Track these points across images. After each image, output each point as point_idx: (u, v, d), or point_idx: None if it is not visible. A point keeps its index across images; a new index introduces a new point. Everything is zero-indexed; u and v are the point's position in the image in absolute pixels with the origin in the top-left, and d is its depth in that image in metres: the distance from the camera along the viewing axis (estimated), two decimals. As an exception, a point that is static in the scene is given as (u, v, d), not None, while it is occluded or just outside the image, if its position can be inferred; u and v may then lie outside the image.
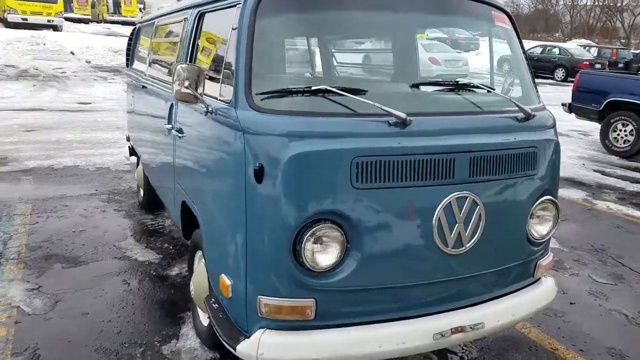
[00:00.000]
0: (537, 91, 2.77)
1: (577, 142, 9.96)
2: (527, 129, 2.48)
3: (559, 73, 22.78)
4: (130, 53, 5.42)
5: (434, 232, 2.22)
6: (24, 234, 4.39)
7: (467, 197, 2.26)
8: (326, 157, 2.05)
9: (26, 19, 22.74)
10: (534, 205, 2.52)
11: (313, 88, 2.16)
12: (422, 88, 2.65)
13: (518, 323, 2.69)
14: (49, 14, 23.61)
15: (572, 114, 9.36)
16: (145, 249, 4.21)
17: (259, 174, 2.02)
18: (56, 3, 24.02)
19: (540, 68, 23.35)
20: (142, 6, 17.72)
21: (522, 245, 2.55)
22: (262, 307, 2.12)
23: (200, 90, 2.35)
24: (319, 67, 3.35)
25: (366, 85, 2.76)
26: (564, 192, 6.31)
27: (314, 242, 2.07)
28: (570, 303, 3.68)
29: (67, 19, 27.06)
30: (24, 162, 6.47)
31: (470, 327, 2.35)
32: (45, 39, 17.60)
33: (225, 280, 2.26)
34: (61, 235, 4.39)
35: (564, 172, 7.64)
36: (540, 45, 25.81)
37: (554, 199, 2.58)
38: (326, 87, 2.15)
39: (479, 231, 2.31)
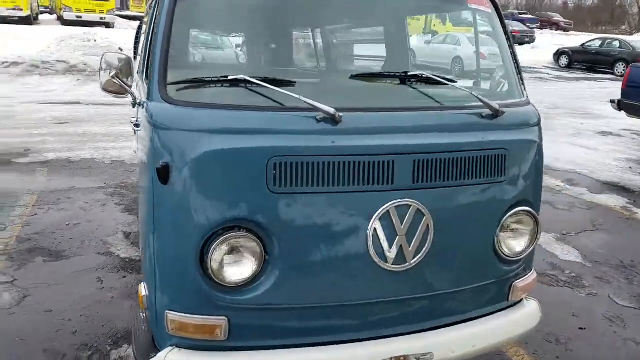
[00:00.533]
0: (521, 84, 2.39)
1: (629, 142, 9.19)
2: (494, 127, 2.11)
3: (619, 68, 21.32)
4: (134, 48, 5.39)
5: (369, 246, 1.91)
6: (19, 225, 4.39)
7: (409, 205, 1.93)
8: (239, 156, 1.78)
9: (80, 17, 23.32)
10: (504, 217, 2.15)
11: (230, 77, 1.89)
12: (373, 81, 2.23)
13: (484, 353, 2.26)
14: (101, 12, 24.19)
15: (622, 111, 8.64)
16: (130, 246, 4.09)
17: (163, 174, 1.79)
18: (108, 1, 24.49)
19: (599, 62, 22.14)
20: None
21: (489, 264, 2.19)
22: (169, 323, 1.90)
23: (130, 80, 2.16)
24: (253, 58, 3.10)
25: (298, 76, 2.46)
26: (602, 198, 5.80)
27: (229, 253, 1.81)
28: (580, 328, 3.26)
29: (123, 16, 27.76)
30: (44, 154, 6.55)
31: (416, 358, 2.01)
32: (97, 35, 17.92)
33: (142, 290, 2.05)
34: (54, 228, 4.36)
35: (607, 175, 7.16)
36: (600, 38, 24.30)
37: (531, 210, 2.20)
38: (244, 77, 1.88)
39: (426, 246, 1.98)
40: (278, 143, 1.81)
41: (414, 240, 1.95)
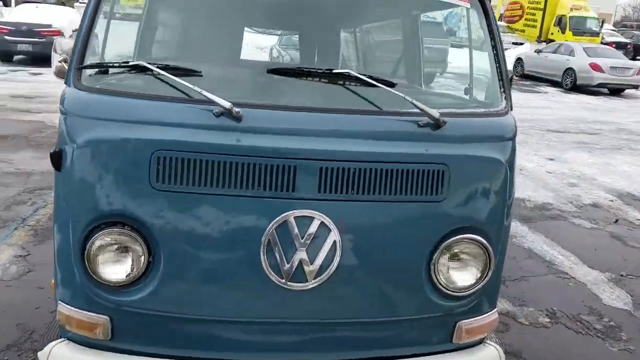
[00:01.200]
0: (502, 91, 2.06)
1: None
2: (433, 139, 1.81)
3: None
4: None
5: (261, 258, 1.73)
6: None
7: (312, 217, 1.72)
8: (122, 146, 1.68)
9: None
10: (443, 244, 1.84)
11: (130, 63, 1.82)
12: (299, 78, 1.94)
13: None
14: None
15: None
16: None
17: (56, 160, 1.75)
18: None
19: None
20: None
21: (420, 295, 1.89)
22: (58, 314, 1.86)
23: None
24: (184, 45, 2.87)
25: (213, 66, 2.26)
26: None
27: (110, 250, 1.73)
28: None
29: None
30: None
31: None
32: None
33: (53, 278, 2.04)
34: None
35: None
36: None
37: (478, 238, 1.86)
38: (143, 63, 1.77)
39: (332, 265, 1.75)
40: (164, 136, 1.68)
41: (317, 257, 1.74)
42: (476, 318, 1.99)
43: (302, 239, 1.73)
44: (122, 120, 1.70)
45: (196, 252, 1.75)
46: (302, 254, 1.73)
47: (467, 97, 2.28)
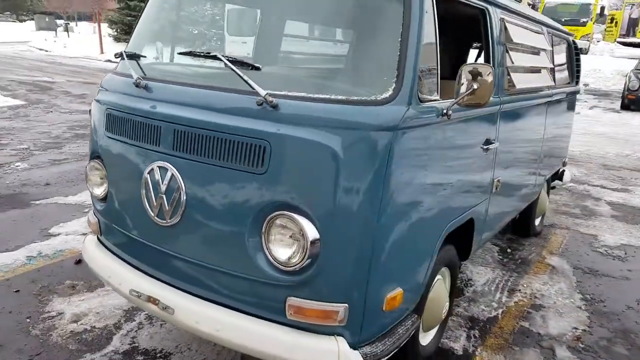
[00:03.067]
0: (397, 79, 2.01)
1: None
2: (263, 116, 1.98)
3: None
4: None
5: (142, 195, 2.29)
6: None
7: (167, 169, 2.20)
8: (99, 106, 2.57)
9: None
10: (268, 217, 1.99)
11: (121, 51, 2.62)
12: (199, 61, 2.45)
13: (236, 348, 2.14)
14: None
15: None
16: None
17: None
18: (585, 26, 23.42)
19: None
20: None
21: (245, 256, 2.06)
22: (87, 220, 2.84)
23: None
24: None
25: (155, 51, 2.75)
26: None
27: (96, 177, 2.63)
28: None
29: (625, 43, 26.79)
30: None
31: (163, 307, 2.25)
32: None
33: None
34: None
35: None
36: None
37: (296, 217, 1.93)
38: (123, 51, 2.59)
39: (179, 210, 2.19)
40: (110, 99, 2.48)
41: (170, 201, 2.20)
42: (307, 301, 2.01)
43: (162, 184, 2.20)
44: (105, 89, 2.61)
45: (119, 182, 2.48)
46: (162, 197, 2.22)
47: (346, 83, 2.25)
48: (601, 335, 3.31)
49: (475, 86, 2.13)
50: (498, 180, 3.09)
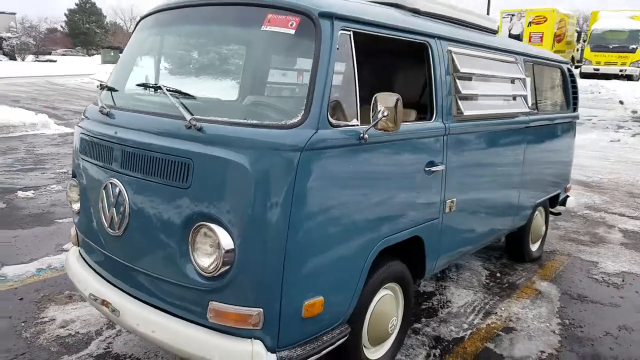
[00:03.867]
0: (304, 108, 2.24)
1: None
2: (188, 138, 2.26)
3: None
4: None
5: (99, 209, 2.61)
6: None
7: (116, 185, 2.51)
8: (77, 131, 2.95)
9: (598, 69, 23.30)
10: (193, 227, 2.22)
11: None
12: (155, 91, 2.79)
13: (167, 349, 2.37)
14: (623, 64, 23.22)
15: None
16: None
17: None
18: (634, 52, 23.24)
19: None
20: None
21: (175, 265, 2.30)
22: (71, 235, 3.16)
23: None
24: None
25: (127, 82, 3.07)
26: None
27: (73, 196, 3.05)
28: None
29: None
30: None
31: (112, 309, 2.50)
32: (602, 87, 18.90)
33: None
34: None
35: None
36: None
37: (212, 226, 2.16)
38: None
39: (125, 221, 2.47)
40: (84, 124, 2.90)
41: (118, 213, 2.50)
42: (225, 305, 2.21)
43: (112, 198, 2.52)
44: (85, 116, 3.00)
45: (86, 197, 2.81)
46: (113, 210, 2.52)
47: (265, 109, 2.57)
48: (567, 360, 3.31)
49: (385, 113, 2.30)
50: (451, 202, 3.20)
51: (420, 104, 3.19)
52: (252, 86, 2.98)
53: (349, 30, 2.42)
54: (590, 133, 14.16)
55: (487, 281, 4.50)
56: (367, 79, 4.43)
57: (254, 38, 2.69)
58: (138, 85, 2.81)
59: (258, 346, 2.19)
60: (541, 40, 25.68)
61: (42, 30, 59.87)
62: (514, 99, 4.01)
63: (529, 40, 25.79)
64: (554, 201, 5.24)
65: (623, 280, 4.61)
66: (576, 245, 5.54)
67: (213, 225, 2.17)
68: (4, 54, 54.88)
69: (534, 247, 5.02)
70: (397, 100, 2.30)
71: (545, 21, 25.58)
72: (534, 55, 4.47)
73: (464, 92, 3.16)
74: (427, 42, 2.96)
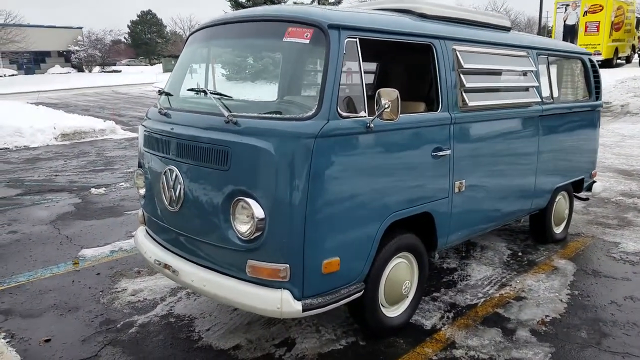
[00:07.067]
0: (317, 104, 2.74)
1: None
2: (227, 130, 2.83)
3: None
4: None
5: (162, 189, 3.21)
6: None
7: (173, 170, 3.11)
8: (141, 129, 3.63)
9: None
10: (233, 200, 2.79)
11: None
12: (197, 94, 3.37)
13: (216, 299, 3.03)
14: None
15: None
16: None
17: None
18: None
19: None
20: None
21: (225, 231, 2.86)
22: (138, 215, 3.90)
23: None
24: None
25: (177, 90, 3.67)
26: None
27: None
28: None
29: None
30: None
31: (173, 270, 3.14)
32: None
33: None
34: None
35: None
36: None
37: (247, 200, 2.72)
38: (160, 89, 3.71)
39: (181, 199, 3.07)
40: (147, 123, 3.54)
41: (176, 193, 3.09)
42: (260, 262, 2.77)
43: (171, 181, 3.13)
44: (148, 117, 3.64)
45: (150, 182, 3.44)
46: (172, 191, 3.14)
47: (290, 106, 3.21)
48: (569, 322, 3.67)
49: (386, 105, 2.80)
50: (460, 183, 3.64)
51: (429, 97, 3.65)
52: (288, 88, 3.62)
53: (355, 38, 2.93)
54: (642, 123, 13.95)
55: (508, 259, 4.88)
56: (381, 77, 4.94)
57: (279, 48, 3.29)
58: (188, 90, 3.42)
59: (286, 294, 2.74)
60: (597, 30, 25.13)
61: (107, 42, 63.24)
62: (526, 89, 4.39)
63: (585, 30, 25.25)
64: (579, 186, 5.52)
65: (641, 258, 4.88)
66: (602, 229, 5.79)
67: (248, 199, 2.74)
68: (73, 66, 58.41)
69: (558, 230, 5.33)
70: (397, 94, 2.80)
71: (601, 10, 25.01)
72: (549, 49, 4.81)
73: (468, 85, 3.60)
74: (431, 43, 3.43)
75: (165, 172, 3.17)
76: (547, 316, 3.76)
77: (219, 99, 3.01)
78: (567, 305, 3.94)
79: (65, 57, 59.78)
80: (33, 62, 57.63)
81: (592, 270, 4.61)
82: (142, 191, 3.61)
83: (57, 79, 40.34)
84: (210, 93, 3.06)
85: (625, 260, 4.83)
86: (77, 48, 58.61)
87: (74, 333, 3.55)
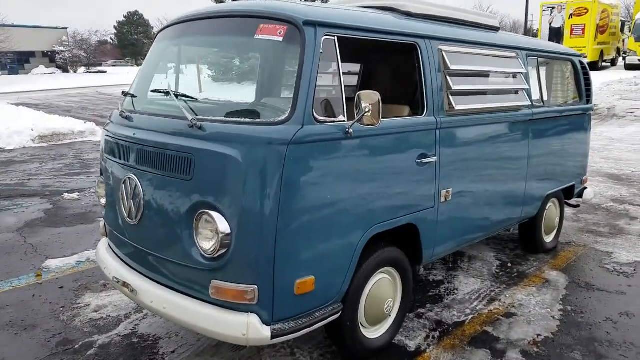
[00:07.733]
0: (291, 107, 2.49)
1: None
2: (190, 136, 2.56)
3: None
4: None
5: (119, 200, 2.96)
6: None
7: (132, 179, 2.84)
8: (103, 134, 3.34)
9: None
10: (196, 214, 2.52)
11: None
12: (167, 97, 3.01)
13: (177, 322, 2.69)
14: None
15: None
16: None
17: None
18: None
19: None
20: None
21: (185, 248, 2.60)
22: (100, 227, 3.61)
23: None
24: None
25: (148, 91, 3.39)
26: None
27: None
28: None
29: None
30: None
31: (131, 289, 2.86)
32: None
33: None
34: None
35: None
36: None
37: (212, 213, 2.44)
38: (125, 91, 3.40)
39: (140, 211, 2.79)
40: (109, 127, 3.24)
41: (135, 205, 2.82)
42: (224, 283, 2.49)
43: (131, 191, 2.84)
44: (110, 121, 3.31)
45: (110, 191, 3.16)
46: (131, 202, 2.85)
47: (261, 109, 2.90)
48: (562, 342, 3.44)
49: (367, 109, 2.54)
50: (447, 192, 3.39)
51: (414, 101, 3.39)
52: (267, 89, 3.32)
53: (333, 36, 2.66)
54: (630, 126, 13.82)
55: (497, 271, 4.64)
56: (365, 79, 4.68)
57: (254, 46, 3.02)
58: (152, 91, 3.14)
59: (253, 319, 2.46)
60: (583, 33, 25.16)
61: (93, 43, 62.31)
62: (516, 92, 4.16)
63: (570, 33, 25.28)
64: (570, 193, 5.31)
65: (635, 270, 4.66)
66: (594, 237, 5.58)
67: (213, 213, 2.46)
68: (57, 67, 57.54)
69: (548, 239, 5.11)
70: (379, 97, 2.54)
71: (586, 13, 25.04)
72: (539, 50, 4.59)
73: (455, 88, 3.35)
74: (416, 43, 3.17)
75: (125, 181, 2.89)
76: (538, 335, 3.52)
77: (184, 101, 2.74)
78: (560, 322, 3.70)
79: (49, 58, 58.85)
80: (17, 62, 56.70)
81: (584, 283, 4.39)
82: (103, 201, 3.31)
83: (41, 80, 39.66)
84: (174, 94, 2.78)
85: (619, 272, 4.61)
86: (62, 48, 57.72)
87: (27, 355, 3.25)
